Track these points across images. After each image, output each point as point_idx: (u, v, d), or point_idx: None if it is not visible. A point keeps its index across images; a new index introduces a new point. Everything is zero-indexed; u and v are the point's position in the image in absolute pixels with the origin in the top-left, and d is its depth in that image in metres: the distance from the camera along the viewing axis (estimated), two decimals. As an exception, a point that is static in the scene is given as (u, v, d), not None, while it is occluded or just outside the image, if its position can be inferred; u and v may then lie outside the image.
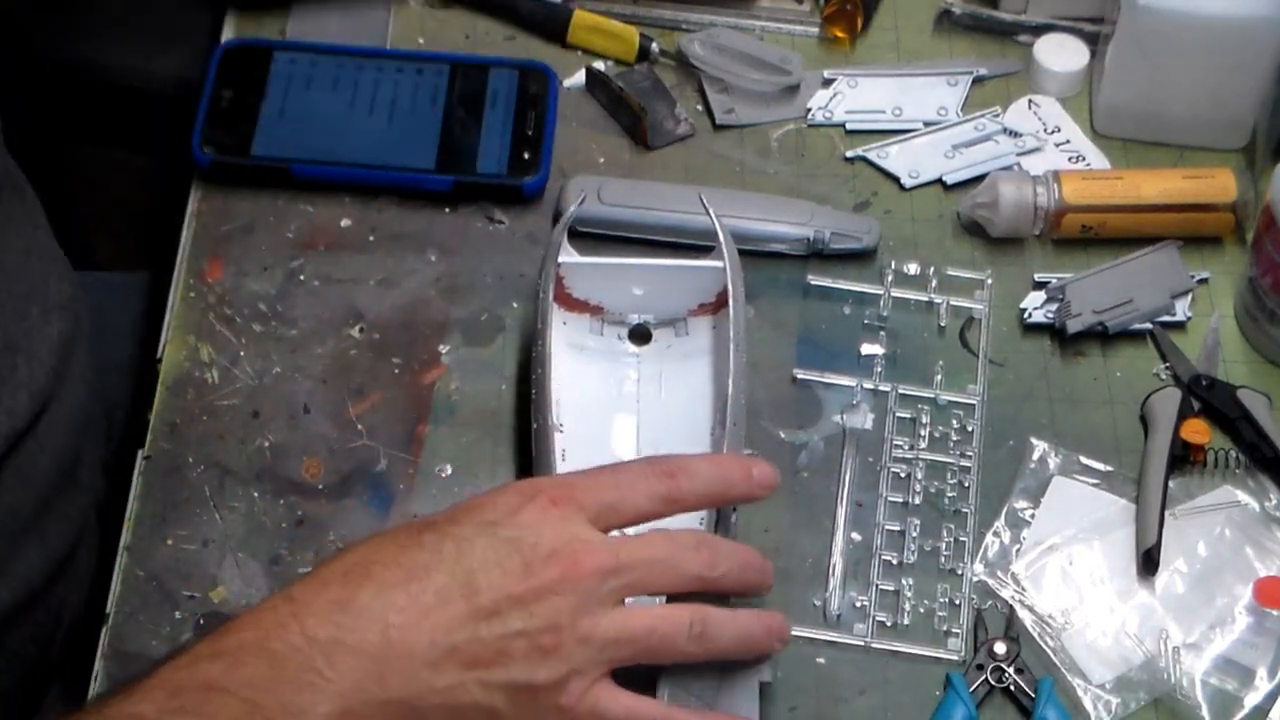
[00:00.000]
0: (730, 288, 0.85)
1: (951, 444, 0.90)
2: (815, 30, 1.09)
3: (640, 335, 0.89)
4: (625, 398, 0.87)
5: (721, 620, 0.72)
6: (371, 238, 0.97)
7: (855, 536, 0.87)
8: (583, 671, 0.68)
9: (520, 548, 0.68)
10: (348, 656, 0.65)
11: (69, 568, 0.89)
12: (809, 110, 1.05)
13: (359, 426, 0.89)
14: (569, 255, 0.87)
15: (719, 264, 0.87)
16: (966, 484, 0.89)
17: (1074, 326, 0.94)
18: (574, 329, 0.88)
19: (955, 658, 0.83)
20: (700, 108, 1.05)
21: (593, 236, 0.96)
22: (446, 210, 0.98)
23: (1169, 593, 0.85)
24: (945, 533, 0.87)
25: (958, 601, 0.85)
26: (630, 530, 0.72)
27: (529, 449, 0.84)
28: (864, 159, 1.03)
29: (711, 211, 0.89)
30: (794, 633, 0.83)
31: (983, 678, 0.82)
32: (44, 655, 0.88)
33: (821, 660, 0.83)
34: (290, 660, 0.64)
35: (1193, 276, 0.97)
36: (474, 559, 0.67)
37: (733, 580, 0.73)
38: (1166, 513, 0.86)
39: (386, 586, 0.66)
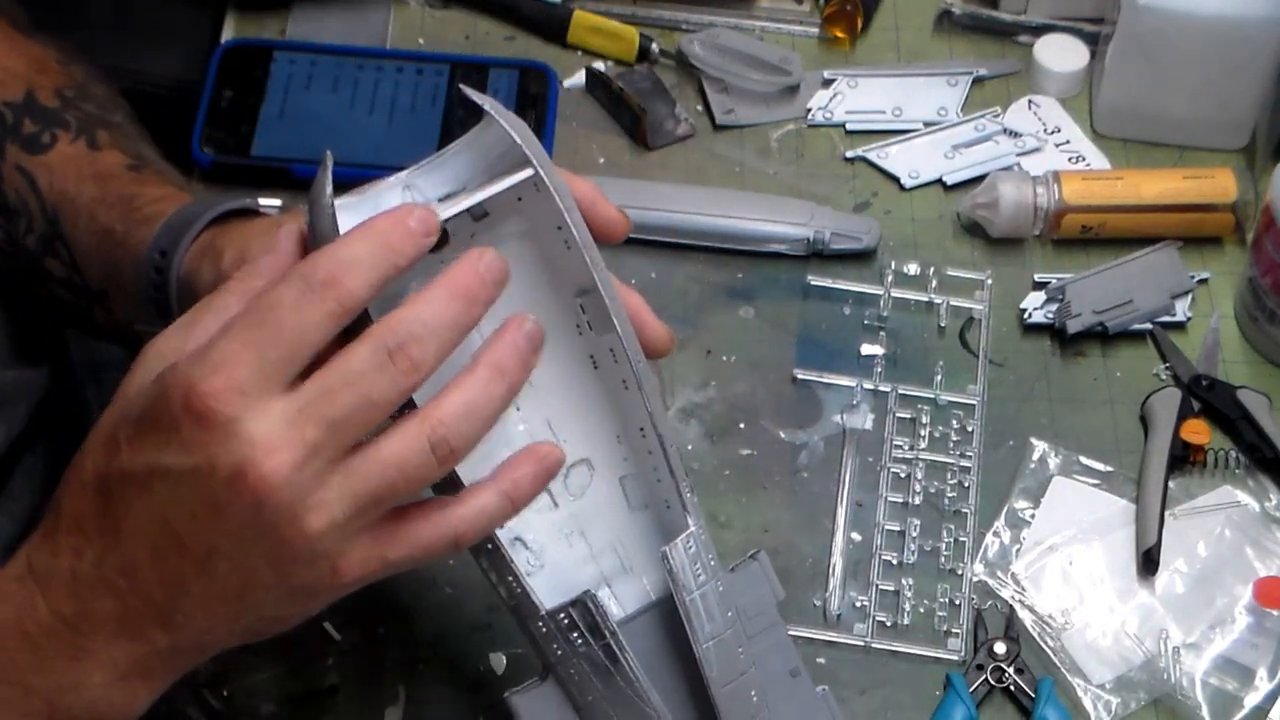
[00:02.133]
0: (522, 145, 0.64)
1: (951, 444, 0.90)
2: (815, 30, 1.09)
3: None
4: None
5: (454, 409, 0.60)
6: (371, 238, 0.97)
7: (855, 536, 0.87)
8: (346, 550, 0.60)
9: (197, 482, 0.58)
10: (100, 626, 0.62)
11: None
12: (809, 110, 1.05)
13: (359, 426, 0.89)
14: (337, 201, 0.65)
15: (498, 130, 0.65)
16: (966, 484, 0.89)
17: (1074, 326, 0.94)
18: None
19: (955, 658, 0.83)
20: (700, 108, 1.05)
21: (593, 236, 0.96)
22: (446, 210, 0.98)
23: (1169, 593, 0.85)
24: (945, 533, 0.87)
25: (958, 601, 0.85)
26: None
27: None
28: (864, 159, 1.03)
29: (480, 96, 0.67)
30: (794, 633, 0.83)
31: (983, 678, 0.82)
32: None
33: (821, 660, 0.83)
34: (49, 640, 0.62)
35: (1193, 276, 0.97)
36: (162, 505, 0.60)
37: (438, 323, 0.60)
38: (1166, 513, 0.86)
39: (101, 551, 0.61)
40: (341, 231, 0.62)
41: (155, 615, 0.62)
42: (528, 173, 0.65)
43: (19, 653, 0.62)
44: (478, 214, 0.66)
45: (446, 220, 0.62)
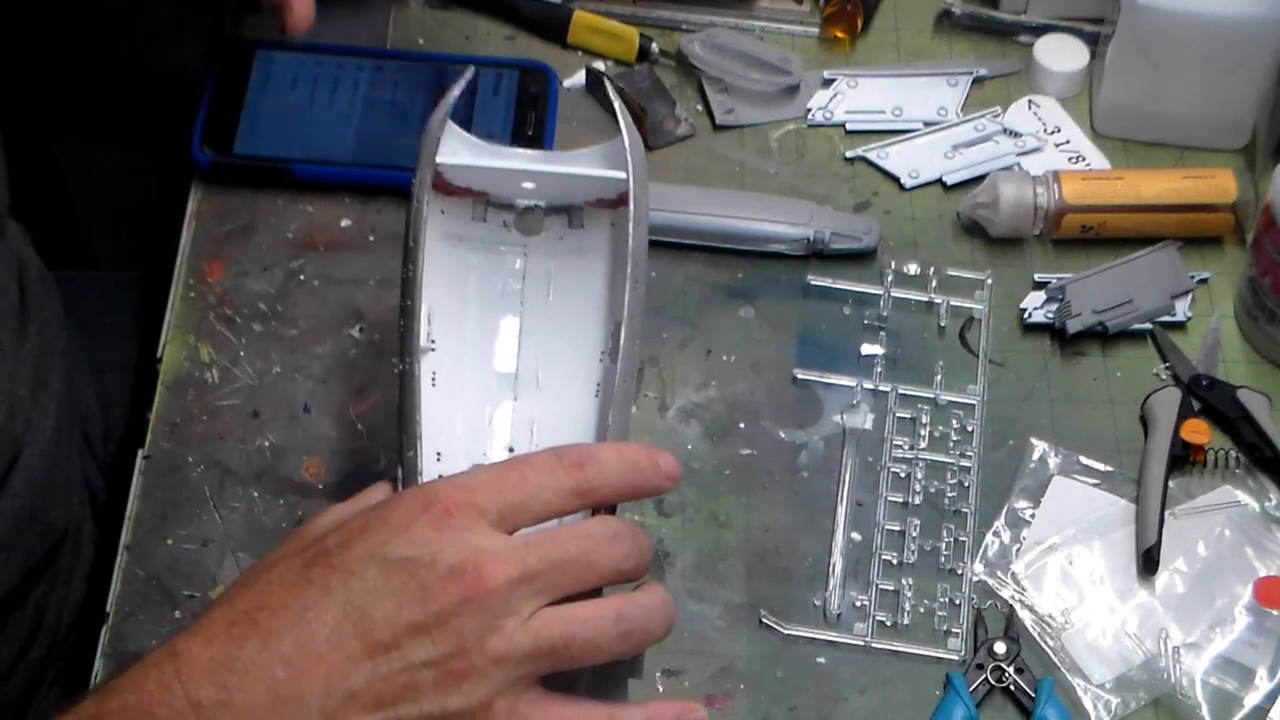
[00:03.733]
0: (632, 186, 0.73)
1: (951, 444, 0.90)
2: (815, 30, 1.09)
3: (529, 225, 0.78)
4: (508, 297, 0.77)
5: (646, 607, 0.66)
6: (371, 238, 0.97)
7: (855, 536, 0.87)
8: (505, 692, 0.62)
9: (415, 570, 0.62)
10: (238, 718, 0.60)
11: (49, 572, 0.88)
12: (809, 110, 1.05)
13: (359, 427, 0.89)
14: (449, 153, 0.75)
15: (620, 174, 0.75)
16: (966, 484, 0.89)
17: (1074, 326, 0.94)
18: (453, 217, 0.76)
19: (955, 658, 0.83)
20: (700, 108, 1.05)
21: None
22: (446, 210, 0.98)
23: (1169, 593, 0.85)
24: (945, 533, 0.87)
25: (958, 601, 0.85)
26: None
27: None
28: (864, 159, 1.03)
29: (610, 90, 0.79)
30: (794, 633, 0.83)
31: (983, 677, 0.82)
32: (23, 657, 0.88)
33: (821, 660, 0.83)
34: None
35: (1193, 276, 0.97)
36: (365, 590, 0.62)
37: (647, 556, 0.67)
38: (1166, 513, 0.86)
39: (273, 635, 0.61)
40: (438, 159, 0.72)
41: (300, 714, 0.60)
42: (618, 175, 0.73)
43: None
44: (576, 224, 0.76)
45: (548, 213, 0.75)
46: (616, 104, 0.76)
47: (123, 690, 0.61)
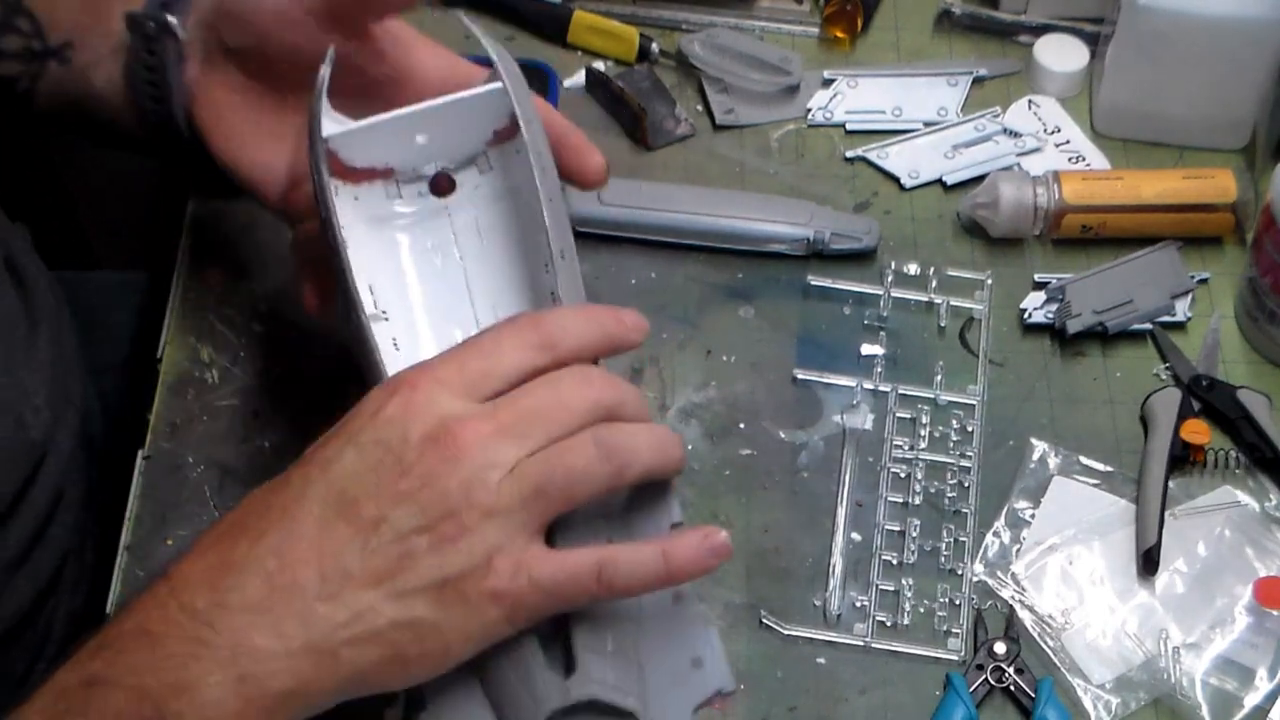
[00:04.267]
0: (516, 104, 0.74)
1: (951, 444, 0.90)
2: (815, 30, 1.09)
3: (443, 185, 0.77)
4: (449, 260, 0.77)
5: (627, 430, 0.65)
6: (371, 238, 0.97)
7: (855, 536, 0.87)
8: (504, 546, 0.62)
9: (389, 446, 0.62)
10: (232, 617, 0.60)
11: (56, 588, 0.88)
12: (809, 110, 1.05)
13: (359, 426, 0.89)
14: (335, 124, 0.74)
15: (496, 85, 0.75)
16: (966, 484, 0.89)
17: (1074, 326, 0.94)
18: (368, 202, 0.76)
19: (955, 658, 0.83)
20: (700, 108, 1.05)
21: (592, 237, 0.96)
22: (446, 210, 0.98)
23: (1169, 593, 0.85)
24: (945, 533, 0.87)
25: (958, 601, 0.85)
26: None
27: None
28: (864, 159, 1.03)
29: (480, 34, 0.78)
30: (794, 633, 0.83)
31: (983, 678, 0.82)
32: (32, 667, 0.88)
33: (821, 660, 0.83)
34: (170, 636, 0.60)
35: (1193, 276, 0.97)
36: (344, 474, 0.62)
37: (634, 398, 0.67)
38: (1166, 513, 0.86)
39: (260, 534, 0.61)
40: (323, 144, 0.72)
41: (297, 603, 0.61)
42: (493, 86, 0.74)
43: (137, 653, 0.61)
44: (485, 169, 0.77)
45: (455, 171, 0.76)
46: (476, 29, 0.78)
47: (120, 620, 0.63)
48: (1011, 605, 0.84)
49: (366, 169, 0.75)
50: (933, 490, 0.88)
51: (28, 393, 0.83)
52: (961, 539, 0.87)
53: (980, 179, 1.00)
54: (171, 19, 0.77)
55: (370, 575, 0.61)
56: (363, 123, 0.74)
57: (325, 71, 0.73)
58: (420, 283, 0.76)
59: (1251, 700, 0.82)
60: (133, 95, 0.79)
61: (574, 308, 0.69)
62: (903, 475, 0.89)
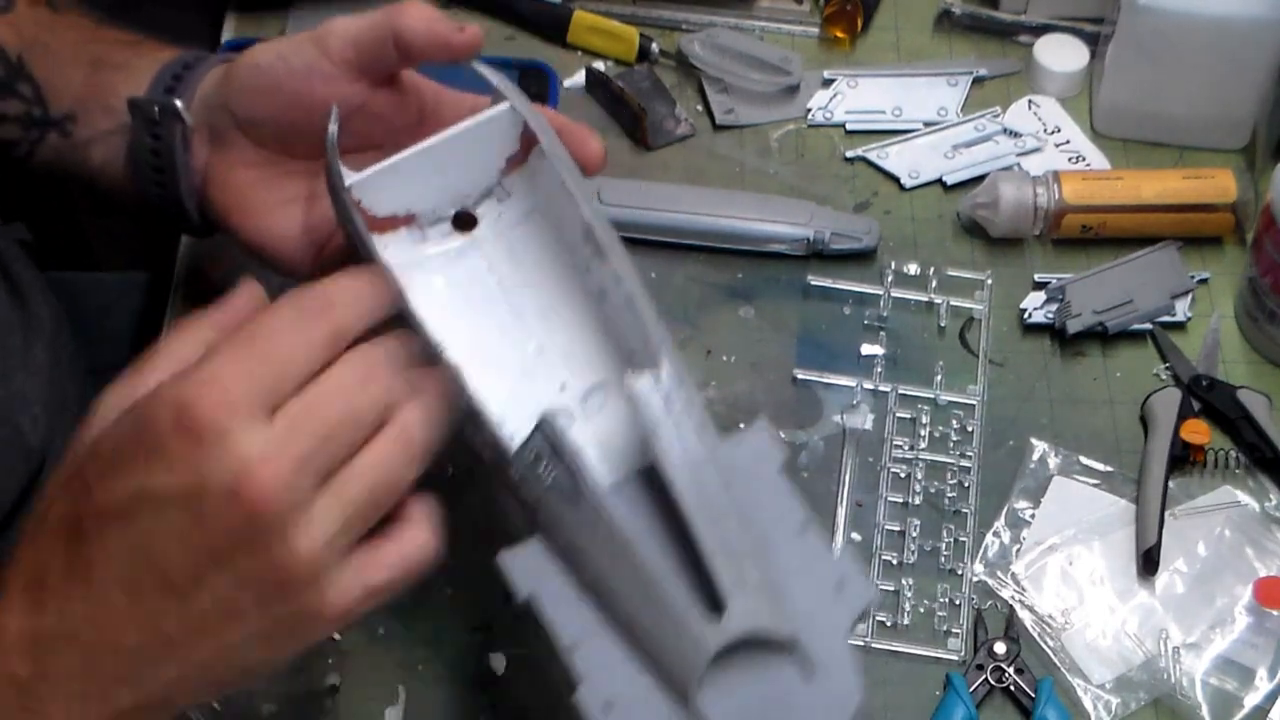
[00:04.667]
0: (527, 117, 0.74)
1: (951, 444, 0.90)
2: (815, 30, 1.09)
3: (465, 220, 0.77)
4: (489, 292, 0.75)
5: (419, 418, 0.63)
6: (371, 238, 0.97)
7: (855, 536, 0.87)
8: (333, 581, 0.60)
9: (188, 503, 0.57)
10: (58, 688, 0.58)
11: None
12: (809, 110, 1.05)
13: (359, 427, 0.89)
14: (351, 175, 0.73)
15: (504, 105, 0.74)
16: (966, 484, 0.89)
17: (1074, 326, 0.94)
18: (397, 250, 0.74)
19: (955, 658, 0.83)
20: (700, 108, 1.05)
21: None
22: (446, 210, 0.98)
23: (1169, 593, 0.85)
24: (945, 533, 0.87)
25: (958, 601, 0.85)
26: None
27: None
28: (864, 159, 1.03)
29: (486, 72, 0.76)
30: (794, 633, 0.83)
31: (983, 678, 0.82)
32: None
33: (821, 660, 0.83)
34: (3, 705, 0.58)
35: (1193, 276, 0.97)
36: (144, 536, 0.58)
37: (432, 379, 0.64)
38: (1166, 513, 0.86)
39: (66, 602, 0.59)
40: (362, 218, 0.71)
41: (123, 669, 0.59)
42: (500, 109, 0.73)
43: None
44: (503, 197, 0.76)
45: (477, 206, 0.75)
46: (487, 72, 0.75)
47: None
48: (1011, 605, 0.84)
49: (389, 217, 0.75)
50: (933, 490, 0.89)
51: (26, 400, 0.83)
52: (961, 539, 0.87)
53: (980, 179, 1.00)
54: (178, 103, 0.77)
55: (195, 632, 0.59)
56: (381, 165, 0.73)
57: (334, 128, 0.73)
58: (465, 318, 0.74)
59: (1251, 700, 0.82)
60: (135, 176, 0.79)
61: (349, 276, 0.64)
62: (903, 475, 0.89)
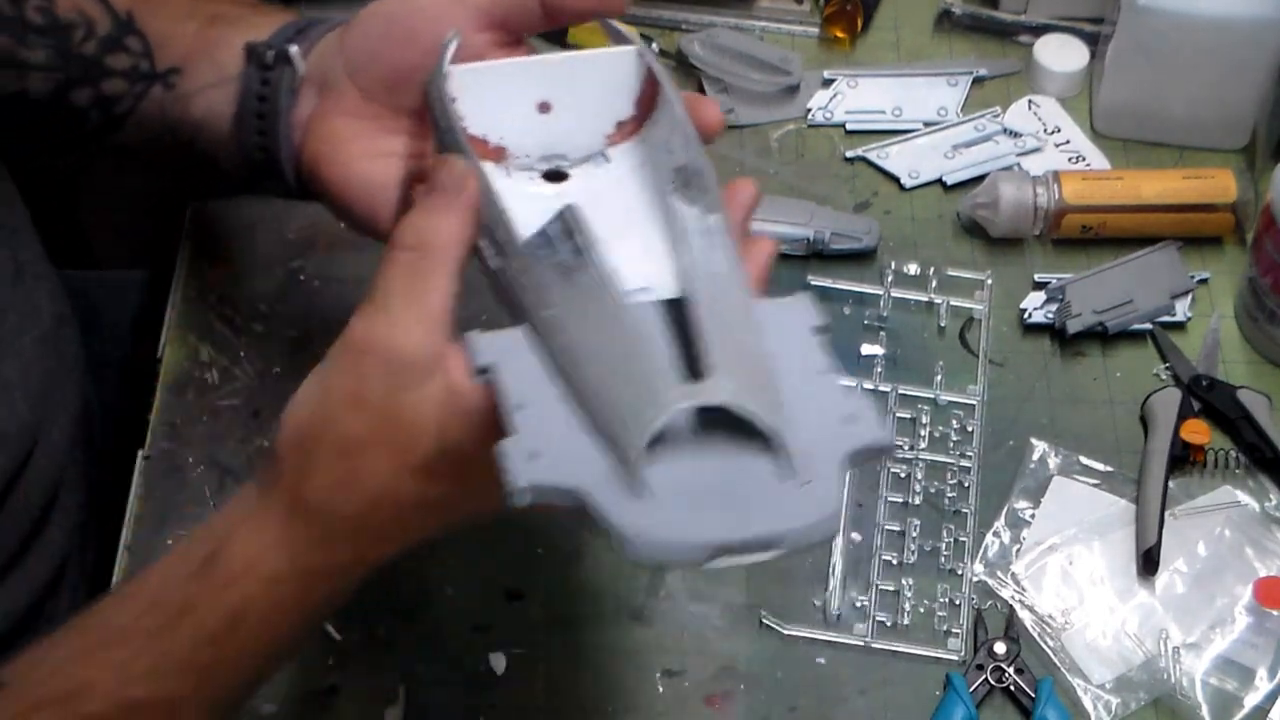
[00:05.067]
0: (652, 65, 0.69)
1: (951, 444, 0.90)
2: (815, 30, 1.09)
3: (555, 175, 0.71)
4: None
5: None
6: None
7: (855, 536, 0.87)
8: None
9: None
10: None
11: (56, 591, 0.88)
12: (809, 110, 1.05)
13: (359, 426, 0.89)
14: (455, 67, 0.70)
15: (628, 48, 0.70)
16: (966, 484, 0.89)
17: (1074, 326, 0.94)
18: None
19: (955, 658, 0.83)
20: (700, 108, 1.05)
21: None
22: (446, 210, 0.98)
23: (1169, 593, 0.85)
24: (945, 533, 0.87)
25: (958, 601, 0.85)
26: None
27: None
28: (864, 159, 1.03)
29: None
30: (794, 633, 0.83)
31: (983, 678, 0.82)
32: None
33: (821, 660, 0.83)
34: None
35: (1193, 276, 0.97)
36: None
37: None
38: (1166, 513, 0.86)
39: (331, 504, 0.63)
40: (459, 112, 0.68)
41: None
42: (625, 48, 0.70)
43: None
44: (600, 163, 0.71)
45: (573, 167, 0.70)
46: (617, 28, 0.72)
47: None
48: (1011, 605, 0.84)
49: (480, 139, 0.70)
50: (933, 490, 0.88)
51: (7, 384, 0.83)
52: (961, 539, 0.87)
53: (980, 179, 1.00)
54: (293, 48, 0.76)
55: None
56: (488, 63, 0.70)
57: (454, 38, 0.70)
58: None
59: (1251, 700, 0.82)
60: (236, 127, 0.78)
61: (430, 206, 0.65)
62: (903, 475, 0.89)
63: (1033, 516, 0.87)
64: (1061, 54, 1.06)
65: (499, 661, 0.82)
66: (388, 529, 0.64)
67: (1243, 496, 0.88)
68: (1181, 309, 0.95)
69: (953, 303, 0.96)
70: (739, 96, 1.05)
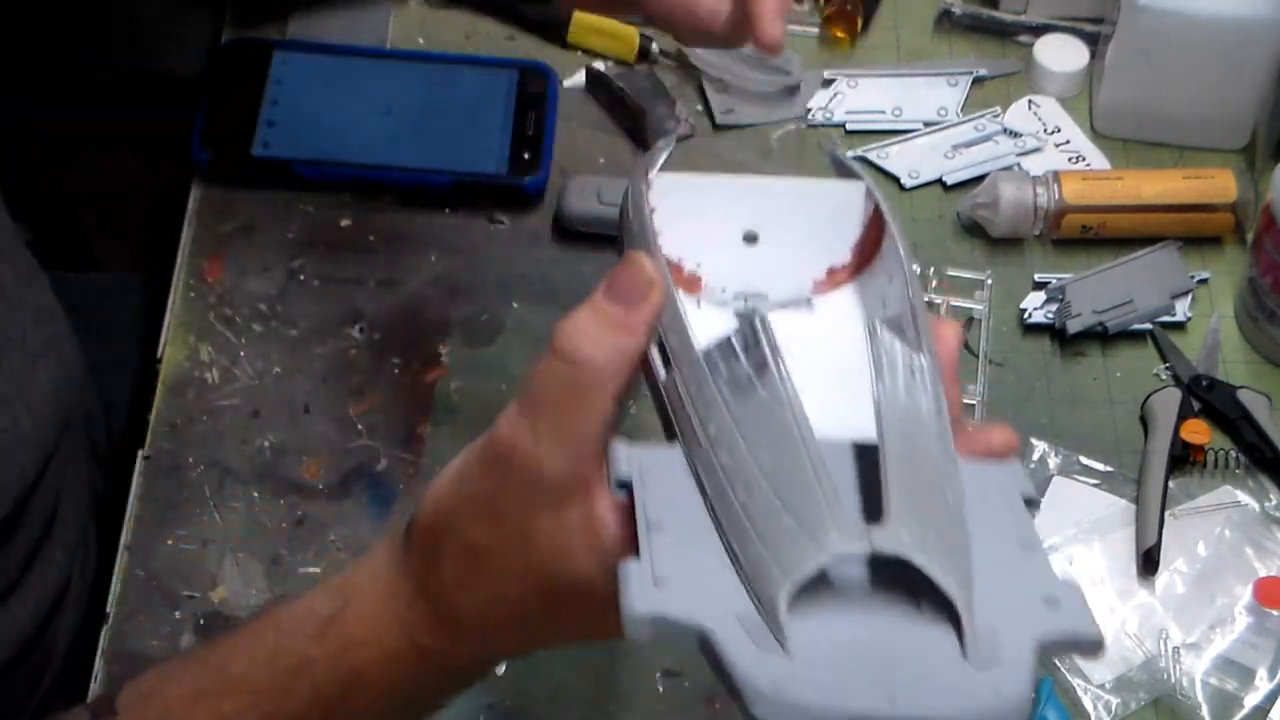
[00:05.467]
0: (880, 203, 0.61)
1: (951, 444, 0.90)
2: (815, 30, 1.09)
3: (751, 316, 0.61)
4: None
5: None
6: (371, 238, 0.97)
7: (855, 536, 0.87)
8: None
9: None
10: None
11: (59, 608, 0.88)
12: (809, 110, 1.05)
13: (359, 426, 0.89)
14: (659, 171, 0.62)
15: (856, 182, 0.62)
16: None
17: (1074, 326, 0.94)
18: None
19: (955, 658, 0.83)
20: (700, 108, 1.05)
21: (593, 236, 0.96)
22: (446, 210, 0.98)
23: (1169, 593, 0.85)
24: (945, 533, 0.87)
25: (958, 601, 0.85)
26: None
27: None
28: (864, 159, 1.02)
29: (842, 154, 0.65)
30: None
31: (983, 678, 0.81)
32: (38, 685, 0.88)
33: (821, 660, 0.83)
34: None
35: (1193, 276, 0.97)
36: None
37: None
38: (1166, 513, 0.86)
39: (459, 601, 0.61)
40: (657, 226, 0.60)
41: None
42: (854, 182, 0.62)
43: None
44: (803, 309, 0.62)
45: (773, 310, 0.60)
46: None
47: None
48: (1011, 605, 0.84)
49: (674, 262, 0.61)
50: (933, 490, 0.88)
51: (8, 398, 0.82)
52: (961, 539, 0.87)
53: (980, 179, 1.00)
54: None
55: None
56: (697, 176, 0.62)
57: (671, 146, 0.64)
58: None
59: (1251, 700, 0.82)
60: None
61: (601, 315, 0.57)
62: (903, 475, 0.89)
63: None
64: (1061, 54, 1.06)
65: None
66: (507, 636, 0.61)
67: (1243, 496, 0.88)
68: (1181, 309, 0.95)
69: (953, 303, 0.96)
70: (739, 96, 1.05)
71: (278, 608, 0.65)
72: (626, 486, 0.53)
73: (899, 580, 0.48)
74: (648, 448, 0.54)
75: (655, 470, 0.53)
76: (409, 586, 0.61)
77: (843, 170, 0.63)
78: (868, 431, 0.53)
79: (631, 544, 0.51)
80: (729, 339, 0.56)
